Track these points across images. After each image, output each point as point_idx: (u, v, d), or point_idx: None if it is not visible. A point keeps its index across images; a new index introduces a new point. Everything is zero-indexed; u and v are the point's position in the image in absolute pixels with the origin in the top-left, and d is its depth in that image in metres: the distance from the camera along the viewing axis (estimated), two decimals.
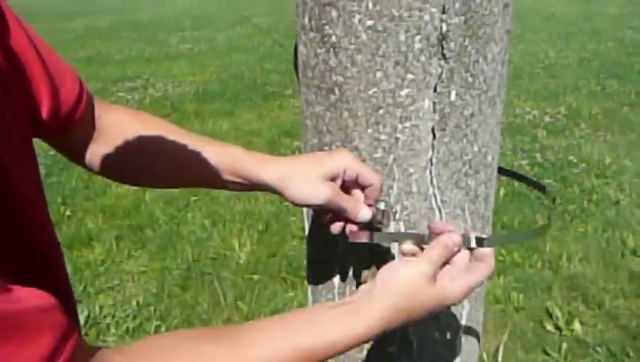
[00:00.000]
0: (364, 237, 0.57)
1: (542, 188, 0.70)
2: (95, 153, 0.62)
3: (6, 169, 0.43)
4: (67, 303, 0.58)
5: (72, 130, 0.59)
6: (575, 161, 3.55)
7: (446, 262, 0.52)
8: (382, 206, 0.59)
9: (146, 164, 0.64)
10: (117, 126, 0.63)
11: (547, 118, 4.45)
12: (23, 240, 0.46)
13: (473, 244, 0.53)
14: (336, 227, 0.60)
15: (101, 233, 2.91)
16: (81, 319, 2.18)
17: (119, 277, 2.54)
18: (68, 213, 3.13)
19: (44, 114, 0.54)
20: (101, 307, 2.30)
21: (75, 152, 0.63)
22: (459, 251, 0.53)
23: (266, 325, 0.50)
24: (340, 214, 0.58)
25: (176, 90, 6.08)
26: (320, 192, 0.56)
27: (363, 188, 0.59)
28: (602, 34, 7.97)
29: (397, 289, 0.50)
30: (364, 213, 0.58)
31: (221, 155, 0.61)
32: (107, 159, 0.62)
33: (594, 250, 2.55)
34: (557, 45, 7.35)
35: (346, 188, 0.59)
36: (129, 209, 3.17)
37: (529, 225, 2.77)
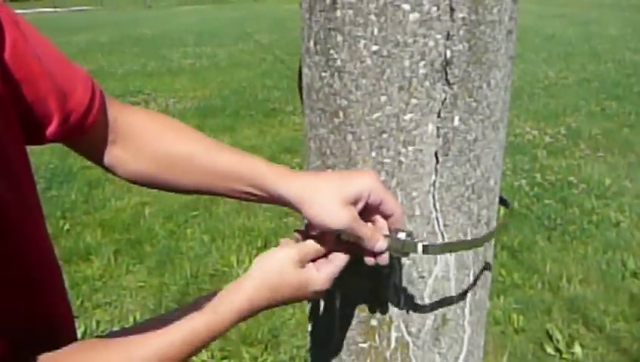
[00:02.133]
0: None
1: (504, 202, 0.72)
2: (115, 157, 0.61)
3: (1, 201, 0.43)
4: (61, 326, 0.58)
5: (85, 136, 0.58)
6: (575, 181, 3.55)
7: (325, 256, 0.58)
8: (402, 236, 0.56)
9: (163, 173, 0.62)
10: (137, 129, 0.62)
11: (547, 138, 4.47)
12: (12, 268, 0.46)
13: (420, 251, 0.56)
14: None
15: (99, 247, 2.90)
16: (78, 334, 2.17)
17: (117, 292, 2.52)
18: (67, 226, 3.12)
19: (53, 126, 0.53)
20: (98, 322, 2.28)
21: (94, 155, 0.62)
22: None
23: (149, 324, 0.53)
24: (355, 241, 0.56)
25: (177, 105, 6.11)
26: (339, 219, 0.53)
27: (384, 216, 0.56)
28: (602, 55, 8.04)
29: (266, 267, 0.57)
30: (381, 244, 0.55)
31: (242, 165, 0.58)
32: (128, 164, 0.62)
33: (594, 271, 2.54)
34: (557, 65, 7.41)
35: (366, 212, 0.56)
36: (128, 223, 3.16)
37: (529, 245, 2.77)
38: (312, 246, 0.58)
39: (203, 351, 2.05)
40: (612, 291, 2.38)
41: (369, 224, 0.56)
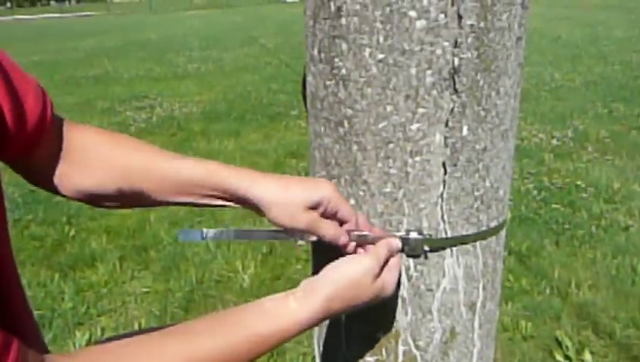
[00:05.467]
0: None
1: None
2: (64, 175, 0.60)
3: None
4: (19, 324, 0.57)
5: (35, 151, 0.57)
6: (583, 185, 3.51)
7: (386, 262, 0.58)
8: (414, 235, 0.60)
9: (119, 184, 0.61)
10: (86, 145, 0.61)
11: (554, 141, 4.43)
12: None
13: (427, 248, 0.61)
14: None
15: (105, 253, 2.89)
16: (83, 341, 2.16)
17: (122, 298, 2.51)
18: (72, 232, 3.12)
19: (8, 136, 0.52)
20: (103, 329, 2.27)
21: (40, 175, 0.60)
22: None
23: (216, 317, 0.55)
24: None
25: (183, 110, 6.12)
26: (299, 221, 0.57)
27: (341, 222, 0.60)
28: (608, 57, 7.99)
29: (342, 280, 0.55)
30: (344, 239, 0.59)
31: (204, 170, 0.59)
32: (77, 179, 0.60)
33: (604, 277, 2.50)
34: (563, 68, 7.36)
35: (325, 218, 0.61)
36: (133, 229, 3.16)
37: (537, 250, 2.74)
38: (382, 253, 0.58)
39: None
40: (622, 297, 2.35)
41: (333, 222, 0.59)
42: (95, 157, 0.60)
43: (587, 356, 1.98)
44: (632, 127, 4.72)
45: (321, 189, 0.58)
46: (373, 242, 0.59)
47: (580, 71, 7.14)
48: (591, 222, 3.02)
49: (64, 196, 0.62)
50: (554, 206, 3.21)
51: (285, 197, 0.57)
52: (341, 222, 0.59)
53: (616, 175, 3.68)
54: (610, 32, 10.72)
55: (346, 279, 0.56)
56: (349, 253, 0.60)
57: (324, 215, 0.58)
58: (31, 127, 0.54)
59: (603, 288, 2.42)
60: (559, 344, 2.07)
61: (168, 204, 0.62)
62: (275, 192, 0.57)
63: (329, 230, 0.58)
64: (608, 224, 2.99)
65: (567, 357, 2.00)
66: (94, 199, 0.63)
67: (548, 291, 2.41)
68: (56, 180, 0.60)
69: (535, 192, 3.43)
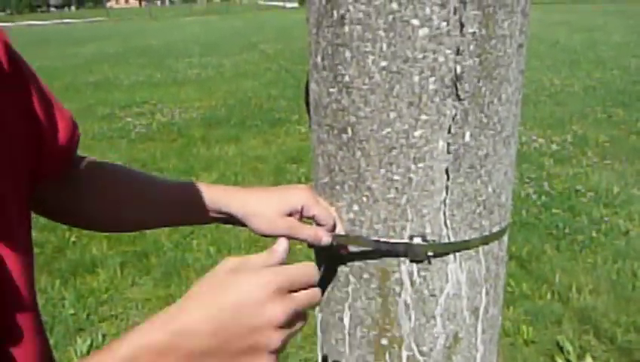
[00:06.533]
0: None
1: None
2: (52, 197, 0.63)
3: None
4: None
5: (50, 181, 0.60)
6: (583, 190, 3.52)
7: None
8: (418, 240, 0.61)
9: (107, 207, 0.65)
10: (90, 178, 0.64)
11: (554, 146, 4.44)
12: None
13: (430, 254, 0.61)
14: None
15: (106, 259, 2.90)
16: (84, 348, 2.16)
17: (123, 304, 2.51)
18: (73, 238, 3.12)
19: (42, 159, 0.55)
20: (104, 336, 2.27)
21: (47, 205, 0.64)
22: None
23: None
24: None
25: (183, 115, 6.13)
26: (277, 228, 0.61)
27: (318, 225, 0.63)
28: (607, 62, 8.02)
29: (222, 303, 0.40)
30: (326, 239, 0.61)
31: (187, 190, 0.63)
32: (68, 204, 0.63)
33: (604, 281, 2.51)
34: (562, 73, 7.39)
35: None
36: (134, 235, 3.16)
37: (538, 255, 2.74)
38: (275, 258, 0.47)
39: None
40: (623, 301, 2.35)
41: (314, 226, 0.62)
42: (86, 185, 0.64)
43: (589, 360, 1.98)
44: (631, 132, 4.73)
45: (294, 196, 0.62)
46: (353, 243, 0.62)
47: (578, 76, 7.16)
48: (591, 226, 3.03)
49: (53, 219, 0.66)
50: (554, 211, 3.22)
51: (262, 207, 0.61)
52: (319, 225, 0.62)
53: (616, 179, 3.70)
54: (609, 37, 10.76)
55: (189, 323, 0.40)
56: (341, 254, 0.64)
57: (303, 220, 0.62)
58: (58, 156, 0.58)
59: (604, 292, 2.42)
60: (560, 349, 2.07)
61: (162, 226, 0.69)
62: (253, 204, 0.61)
63: (308, 233, 0.61)
64: (608, 228, 3.00)
65: (568, 361, 2.00)
66: (86, 224, 0.68)
67: (549, 296, 2.41)
68: (50, 205, 0.64)
69: (535, 197, 3.44)
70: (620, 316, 2.25)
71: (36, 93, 0.53)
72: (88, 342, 2.20)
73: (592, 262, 2.68)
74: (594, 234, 2.95)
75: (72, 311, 2.43)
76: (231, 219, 0.64)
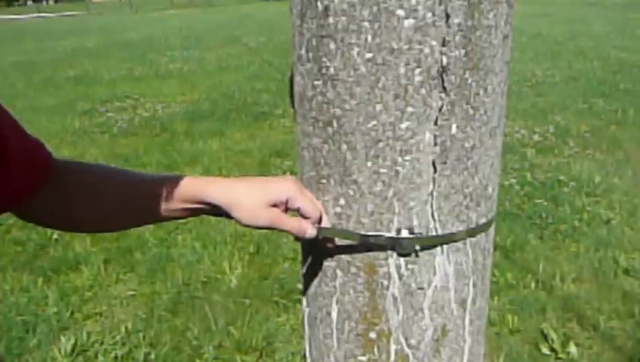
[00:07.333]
0: None
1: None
2: (39, 208, 0.62)
3: None
4: None
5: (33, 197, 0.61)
6: (565, 179, 3.57)
7: None
8: (405, 233, 0.61)
9: (93, 209, 0.64)
10: (76, 182, 0.64)
11: (536, 137, 4.49)
12: None
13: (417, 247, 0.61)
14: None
15: (89, 256, 2.86)
16: (68, 347, 2.13)
17: (107, 302, 2.48)
18: (55, 236, 3.07)
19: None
20: (89, 334, 2.24)
21: (37, 215, 0.64)
22: None
23: None
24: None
25: (165, 110, 6.06)
26: (261, 219, 0.60)
27: (303, 217, 0.62)
28: (587, 53, 8.11)
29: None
30: (311, 232, 0.61)
31: (167, 183, 0.62)
32: (55, 211, 0.63)
33: (587, 270, 2.54)
34: (543, 64, 7.46)
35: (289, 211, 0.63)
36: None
37: (522, 245, 2.77)
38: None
39: (196, 359, 2.03)
40: (605, 289, 2.39)
41: (299, 218, 0.61)
42: (68, 186, 0.63)
43: (572, 348, 2.01)
44: (611, 122, 4.80)
45: (279, 187, 0.61)
46: (339, 236, 0.62)
47: (560, 67, 7.24)
48: (573, 215, 3.07)
49: (36, 223, 0.66)
50: (537, 201, 3.26)
51: (245, 197, 0.60)
52: (304, 217, 0.61)
53: (597, 169, 3.75)
54: (589, 28, 10.89)
55: None
56: (328, 247, 0.64)
57: (288, 212, 0.61)
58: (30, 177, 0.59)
59: (587, 281, 2.46)
60: (545, 337, 2.10)
61: (146, 222, 0.68)
62: (236, 194, 0.60)
63: (293, 225, 0.60)
64: (590, 217, 3.04)
65: (552, 349, 2.03)
66: (68, 226, 0.67)
67: (533, 285, 2.44)
68: (30, 209, 0.63)
69: (518, 187, 3.48)
70: (602, 303, 2.29)
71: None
72: (72, 340, 2.17)
73: (574, 251, 2.71)
74: (576, 223, 2.99)
75: (55, 310, 2.40)
76: (214, 210, 0.62)
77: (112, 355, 2.11)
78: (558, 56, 8.04)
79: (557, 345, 2.03)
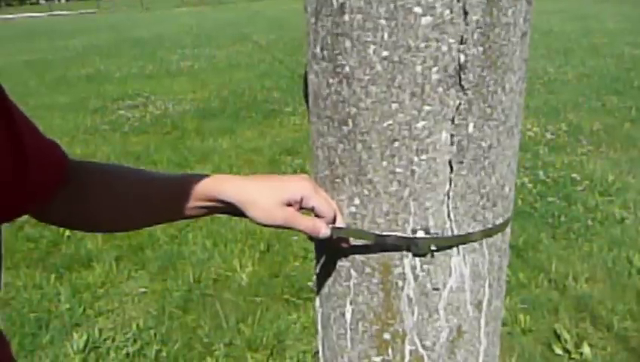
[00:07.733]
0: None
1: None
2: (57, 209, 0.62)
3: None
4: None
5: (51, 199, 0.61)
6: (578, 178, 3.53)
7: None
8: (421, 234, 0.60)
9: (109, 210, 0.64)
10: (91, 183, 0.64)
11: (548, 135, 4.44)
12: None
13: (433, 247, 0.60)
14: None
15: (101, 254, 2.88)
16: (81, 344, 2.15)
17: (119, 299, 2.50)
18: (68, 233, 3.10)
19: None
20: (100, 330, 2.25)
21: (55, 216, 0.64)
22: None
23: None
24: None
25: (176, 108, 6.08)
26: (275, 218, 0.59)
27: (318, 216, 0.62)
28: (601, 50, 8.02)
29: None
30: (325, 232, 0.60)
31: (182, 182, 0.62)
32: (69, 207, 0.63)
33: (600, 269, 2.51)
34: (556, 61, 7.38)
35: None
36: None
37: (534, 243, 2.74)
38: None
39: (207, 357, 2.03)
40: (619, 289, 2.36)
41: (313, 217, 0.61)
42: (86, 186, 0.63)
43: (586, 348, 1.99)
44: (625, 120, 4.74)
45: (294, 186, 0.60)
46: (354, 236, 0.61)
47: (572, 64, 7.16)
48: (587, 214, 3.04)
49: (54, 224, 0.67)
50: (550, 199, 3.23)
51: (260, 196, 0.59)
52: (319, 217, 0.61)
53: (611, 167, 3.70)
54: (603, 24, 10.76)
55: None
56: (342, 247, 0.63)
57: (302, 211, 0.61)
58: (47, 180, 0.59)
59: (600, 280, 2.43)
60: (558, 337, 2.08)
61: (166, 221, 0.67)
62: (251, 192, 0.60)
63: (307, 224, 0.60)
64: (604, 217, 3.00)
65: (566, 349, 2.01)
66: (87, 226, 0.67)
67: (545, 284, 2.42)
68: (49, 211, 0.63)
69: (531, 186, 3.44)
70: (616, 304, 2.26)
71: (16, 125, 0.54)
72: (85, 337, 2.19)
73: (587, 251, 2.68)
74: (589, 222, 2.95)
75: (67, 306, 2.41)
76: (228, 208, 0.62)
77: (124, 352, 2.12)
78: (571, 53, 7.95)
79: (570, 346, 2.01)
